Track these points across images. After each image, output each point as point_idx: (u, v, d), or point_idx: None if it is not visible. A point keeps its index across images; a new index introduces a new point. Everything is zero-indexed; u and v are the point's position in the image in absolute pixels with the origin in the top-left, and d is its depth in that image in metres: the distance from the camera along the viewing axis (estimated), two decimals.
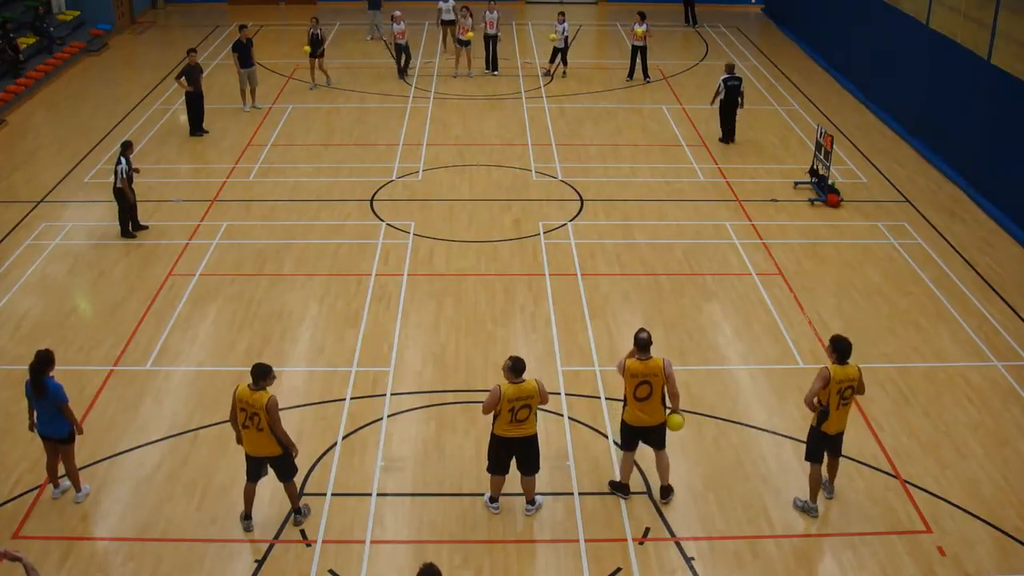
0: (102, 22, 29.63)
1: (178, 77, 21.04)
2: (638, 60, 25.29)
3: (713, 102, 21.14)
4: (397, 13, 25.60)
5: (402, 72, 25.63)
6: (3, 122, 22.17)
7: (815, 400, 10.03)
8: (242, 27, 22.98)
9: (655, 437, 10.46)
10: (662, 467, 10.62)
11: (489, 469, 10.37)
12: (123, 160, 16.09)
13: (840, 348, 10.05)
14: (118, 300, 14.74)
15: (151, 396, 12.48)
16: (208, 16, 32.29)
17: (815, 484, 10.47)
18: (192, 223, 17.15)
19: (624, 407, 10.38)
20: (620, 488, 10.75)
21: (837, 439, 10.38)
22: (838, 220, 17.64)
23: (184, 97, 21.41)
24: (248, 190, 18.68)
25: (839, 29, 26.71)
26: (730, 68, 20.97)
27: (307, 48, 23.94)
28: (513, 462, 10.30)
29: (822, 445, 10.32)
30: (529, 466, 10.31)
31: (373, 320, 14.18)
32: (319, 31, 23.91)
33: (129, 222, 16.55)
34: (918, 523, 10.46)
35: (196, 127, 21.42)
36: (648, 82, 25.22)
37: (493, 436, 10.21)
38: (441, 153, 20.58)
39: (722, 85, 20.61)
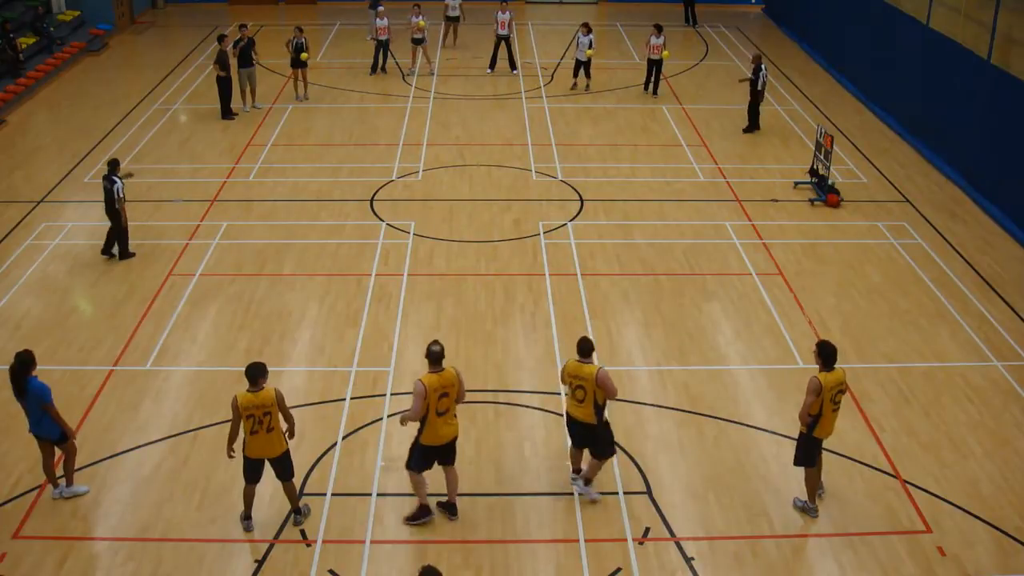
0: (102, 22, 29.62)
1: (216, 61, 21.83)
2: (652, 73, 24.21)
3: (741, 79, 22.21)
4: (381, 8, 25.61)
5: (375, 68, 25.59)
6: (3, 122, 22.17)
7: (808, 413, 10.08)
8: (242, 27, 22.98)
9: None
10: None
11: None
12: (118, 180, 15.41)
13: (826, 354, 10.06)
14: (118, 300, 14.74)
15: (151, 396, 12.48)
16: (208, 16, 32.29)
17: (812, 486, 10.49)
18: (192, 223, 17.14)
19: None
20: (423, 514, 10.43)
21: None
22: (838, 220, 17.64)
23: (217, 80, 22.17)
24: (248, 190, 18.68)
25: (839, 29, 26.70)
26: (754, 59, 21.63)
27: (305, 55, 22.95)
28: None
29: (816, 450, 10.36)
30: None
31: (373, 320, 14.18)
32: (304, 40, 23.09)
33: (116, 244, 15.84)
34: (918, 523, 10.47)
35: (227, 110, 22.30)
36: (647, 94, 24.31)
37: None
38: (441, 153, 20.59)
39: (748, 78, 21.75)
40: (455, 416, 10.02)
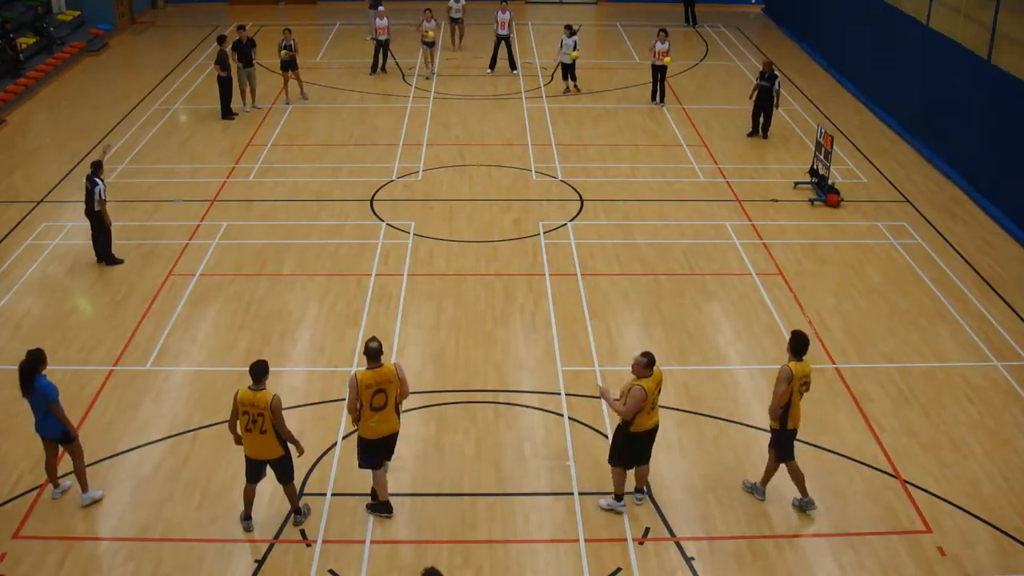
0: (102, 22, 29.63)
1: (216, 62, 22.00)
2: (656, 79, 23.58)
3: (751, 96, 21.49)
4: (381, 8, 25.61)
5: (375, 68, 25.60)
6: (3, 122, 22.17)
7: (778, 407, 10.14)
8: (241, 27, 22.98)
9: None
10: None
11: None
12: (100, 182, 15.23)
13: (799, 344, 10.17)
14: (118, 300, 14.74)
15: (151, 396, 12.48)
16: (208, 16, 32.30)
17: (799, 478, 10.49)
18: (192, 223, 17.15)
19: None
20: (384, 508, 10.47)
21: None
22: (838, 220, 17.64)
23: (217, 80, 22.32)
24: (248, 190, 18.68)
25: (839, 29, 26.71)
26: (765, 67, 21.07)
27: (285, 53, 22.81)
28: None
29: (792, 442, 10.41)
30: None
31: (373, 320, 14.19)
32: (292, 42, 22.95)
33: (106, 247, 15.68)
34: (918, 523, 10.47)
35: (227, 110, 22.39)
36: (656, 104, 23.56)
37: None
38: (441, 153, 20.59)
39: (756, 84, 21.18)
40: (396, 413, 10.06)
